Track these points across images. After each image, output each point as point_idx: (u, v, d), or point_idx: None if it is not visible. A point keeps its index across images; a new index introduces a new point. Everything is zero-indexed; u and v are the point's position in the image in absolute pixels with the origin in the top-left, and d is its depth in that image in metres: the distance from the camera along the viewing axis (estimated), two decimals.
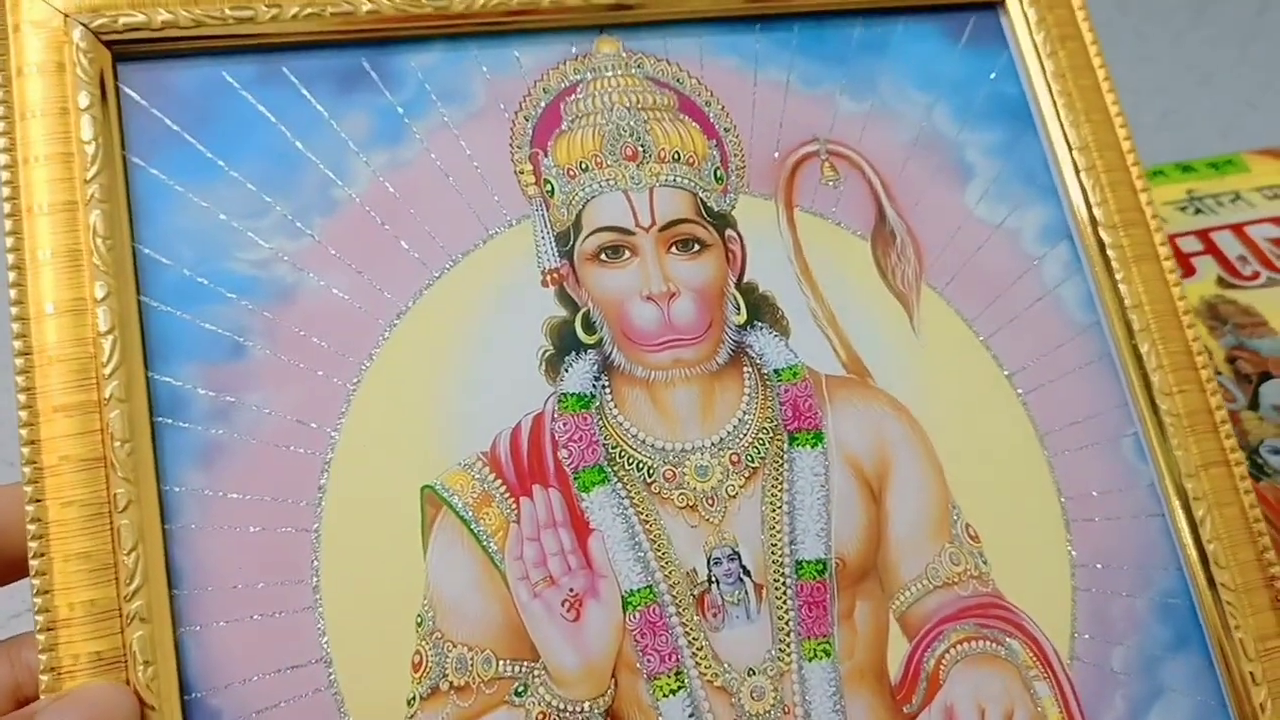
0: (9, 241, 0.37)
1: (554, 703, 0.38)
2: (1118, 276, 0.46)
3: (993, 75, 0.48)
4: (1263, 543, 0.45)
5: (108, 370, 0.36)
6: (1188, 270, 0.69)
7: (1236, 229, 0.72)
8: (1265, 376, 0.62)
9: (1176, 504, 0.44)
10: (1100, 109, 0.48)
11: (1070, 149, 0.47)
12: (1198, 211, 0.73)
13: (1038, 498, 0.44)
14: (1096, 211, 0.47)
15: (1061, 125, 0.47)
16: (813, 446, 0.42)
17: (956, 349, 0.45)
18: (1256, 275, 0.69)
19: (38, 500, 0.35)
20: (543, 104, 0.43)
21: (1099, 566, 0.44)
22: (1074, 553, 0.44)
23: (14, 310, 0.36)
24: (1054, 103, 0.48)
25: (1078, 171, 0.47)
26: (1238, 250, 0.70)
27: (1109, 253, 0.46)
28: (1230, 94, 0.97)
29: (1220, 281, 0.68)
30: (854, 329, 0.44)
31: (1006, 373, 0.45)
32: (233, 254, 0.39)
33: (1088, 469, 0.45)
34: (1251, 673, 0.43)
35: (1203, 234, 0.72)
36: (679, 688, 0.39)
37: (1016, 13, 0.49)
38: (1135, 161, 0.48)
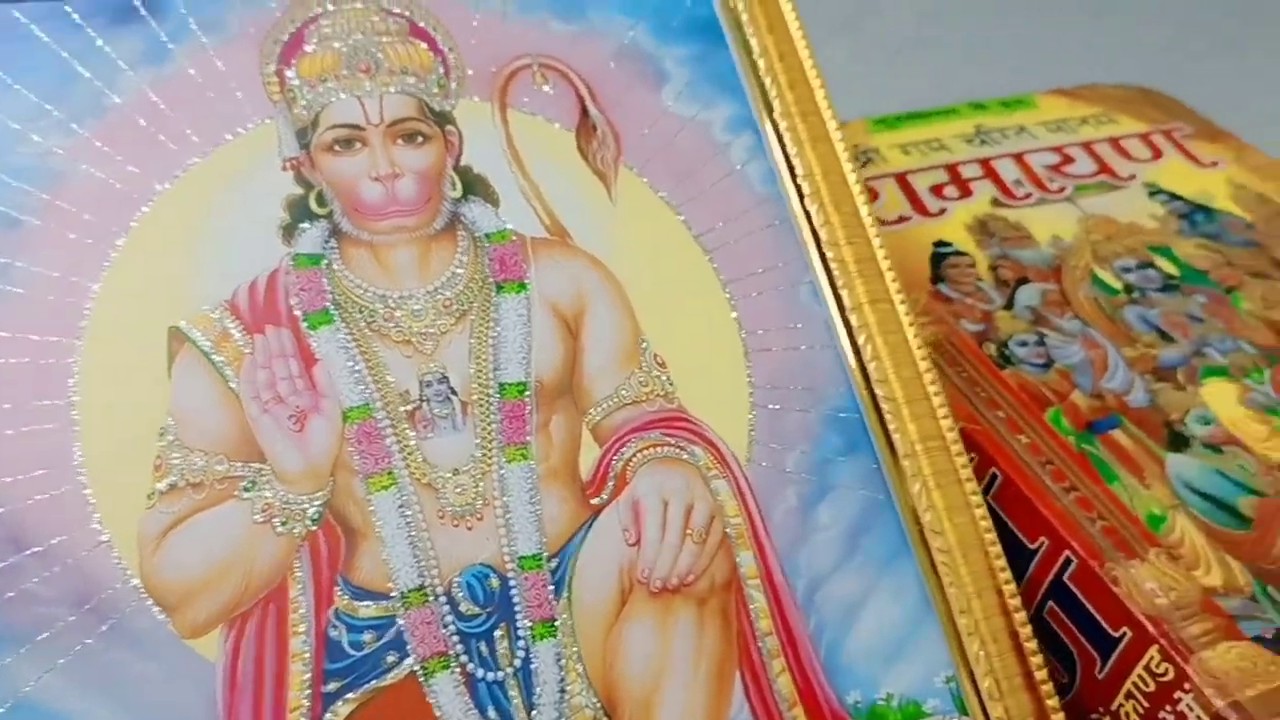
0: None
1: (277, 498, 0.44)
2: (792, 153, 0.54)
3: (689, 2, 0.57)
4: (925, 365, 0.52)
5: None
6: (965, 192, 0.76)
7: (1017, 157, 0.79)
8: (1022, 281, 0.69)
9: (843, 335, 0.52)
10: (781, 23, 0.57)
11: (753, 55, 0.56)
12: (983, 143, 0.81)
13: (720, 333, 0.51)
14: (775, 103, 0.55)
15: (745, 37, 0.56)
16: (516, 293, 0.50)
17: (650, 215, 0.53)
18: (1029, 196, 0.75)
19: None
20: (289, 30, 0.52)
21: (775, 388, 0.51)
22: (752, 377, 0.51)
23: None
24: (738, 20, 0.56)
25: (759, 75, 0.56)
26: (1015, 175, 0.77)
27: (784, 136, 0.54)
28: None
29: (994, 202, 0.75)
30: (557, 201, 0.52)
31: (695, 234, 0.53)
32: (15, 149, 0.47)
33: (767, 310, 0.52)
34: (911, 467, 0.49)
35: (984, 162, 0.78)
36: (390, 484, 0.45)
37: None
38: (814, 66, 0.56)
